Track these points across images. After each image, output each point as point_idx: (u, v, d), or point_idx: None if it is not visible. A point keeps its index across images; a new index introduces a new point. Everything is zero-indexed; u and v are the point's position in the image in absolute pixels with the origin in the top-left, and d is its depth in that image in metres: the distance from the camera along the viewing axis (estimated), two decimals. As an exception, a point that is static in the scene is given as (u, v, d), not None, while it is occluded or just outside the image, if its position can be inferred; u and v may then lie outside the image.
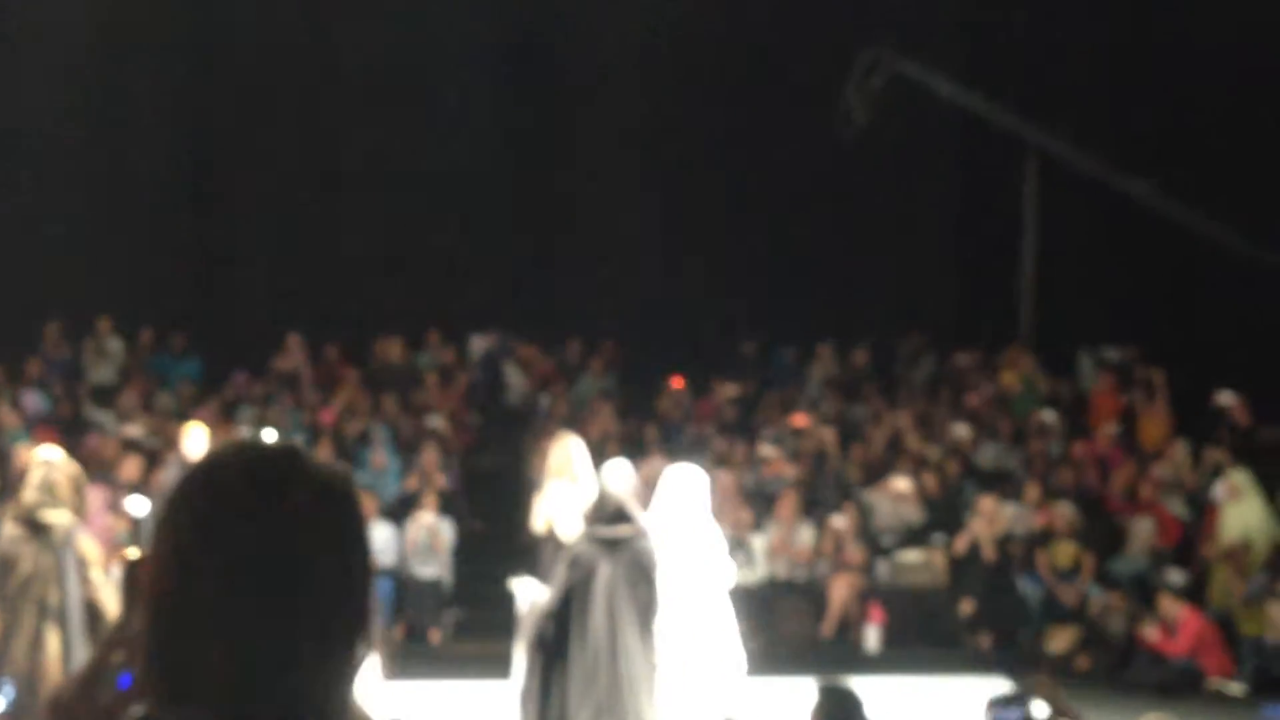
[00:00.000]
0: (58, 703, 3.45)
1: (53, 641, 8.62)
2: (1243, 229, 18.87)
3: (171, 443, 15.17)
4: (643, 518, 9.25)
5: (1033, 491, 16.59)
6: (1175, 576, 14.94)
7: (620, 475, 10.22)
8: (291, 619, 1.82)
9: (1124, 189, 19.53)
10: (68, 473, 9.15)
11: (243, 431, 17.81)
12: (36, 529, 8.79)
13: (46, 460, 9.15)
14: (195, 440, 13.24)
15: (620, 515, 8.94)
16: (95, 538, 12.25)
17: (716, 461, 17.31)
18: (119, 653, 3.18)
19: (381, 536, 16.28)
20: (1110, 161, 19.59)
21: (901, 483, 16.61)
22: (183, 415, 17.23)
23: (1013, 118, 20.11)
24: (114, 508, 14.23)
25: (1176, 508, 16.38)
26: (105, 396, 18.78)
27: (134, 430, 17.02)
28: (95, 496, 14.35)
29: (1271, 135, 18.93)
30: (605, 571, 8.69)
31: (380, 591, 16.05)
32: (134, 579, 3.59)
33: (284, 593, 1.82)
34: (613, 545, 8.78)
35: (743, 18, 20.80)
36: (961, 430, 17.78)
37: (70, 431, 17.28)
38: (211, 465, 1.92)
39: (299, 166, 20.94)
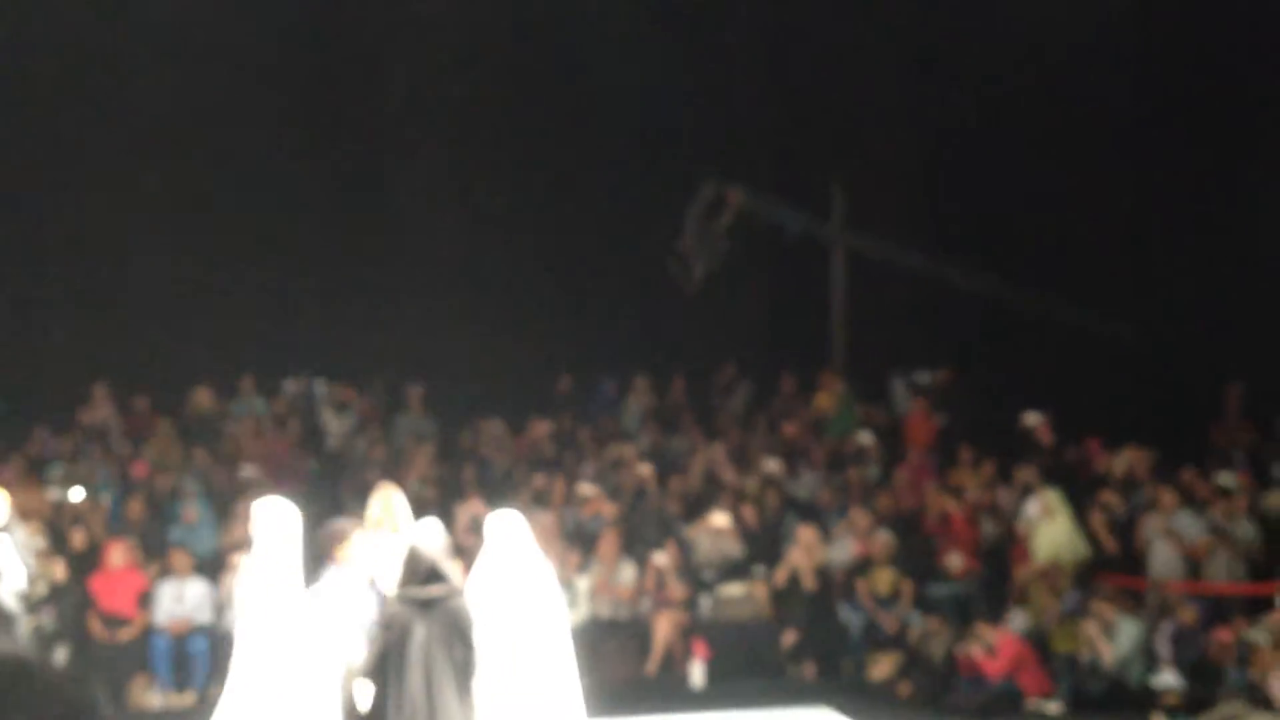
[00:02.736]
0: None
1: None
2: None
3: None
4: (456, 576, 9.18)
5: (850, 520, 16.77)
6: (994, 601, 15.19)
7: (432, 533, 10.13)
8: None
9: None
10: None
11: (50, 490, 17.39)
12: None
13: None
14: (-4, 508, 12.89)
15: (433, 574, 8.85)
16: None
17: (535, 500, 17.27)
18: None
19: (197, 592, 15.98)
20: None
21: (720, 517, 16.69)
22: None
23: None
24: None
25: (989, 528, 16.65)
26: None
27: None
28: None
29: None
30: (420, 632, 8.59)
31: (197, 648, 15.74)
32: None
33: None
34: (427, 605, 8.68)
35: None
36: (777, 462, 17.92)
37: None
38: None
39: (97, 209, 20.52)
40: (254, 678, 9.60)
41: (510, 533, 10.20)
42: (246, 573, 9.93)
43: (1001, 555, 16.25)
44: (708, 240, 19.94)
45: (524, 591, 10.09)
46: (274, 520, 10.36)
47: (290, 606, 9.74)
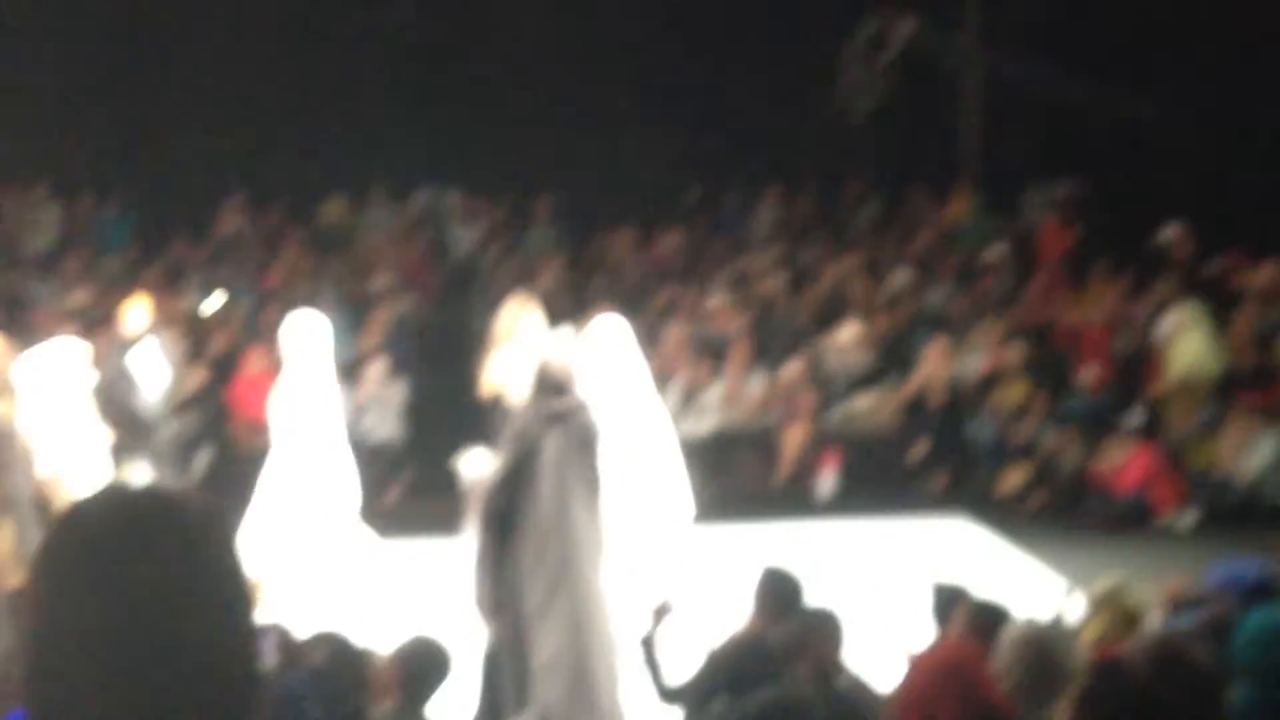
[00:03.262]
0: None
1: (4, 533, 8.58)
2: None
3: (113, 314, 15.00)
4: (586, 389, 9.21)
5: (982, 332, 16.63)
6: (1128, 414, 15.06)
7: (564, 345, 10.18)
8: (168, 671, 1.75)
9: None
10: (6, 363, 9.06)
11: (188, 299, 17.67)
12: (-22, 421, 8.72)
13: (-16, 351, 9.06)
14: (137, 317, 13.12)
15: (564, 387, 8.88)
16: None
17: (664, 312, 17.30)
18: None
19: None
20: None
21: (851, 329, 16.61)
22: (125, 283, 17.08)
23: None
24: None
25: (1125, 343, 16.44)
26: (44, 266, 18.58)
27: (76, 300, 16.84)
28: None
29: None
30: (551, 446, 8.63)
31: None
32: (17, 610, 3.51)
33: (158, 645, 1.75)
34: (557, 419, 8.72)
35: None
36: (908, 274, 17.77)
37: (10, 305, 17.13)
38: (75, 518, 1.85)
39: (227, 19, 20.54)
40: (287, 489, 9.85)
41: (614, 336, 10.24)
42: (282, 388, 10.12)
43: (1136, 369, 16.04)
44: (870, 76, 19.68)
45: (627, 400, 10.19)
46: (306, 333, 10.55)
47: (324, 418, 9.92)
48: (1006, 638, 5.28)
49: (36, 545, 5.48)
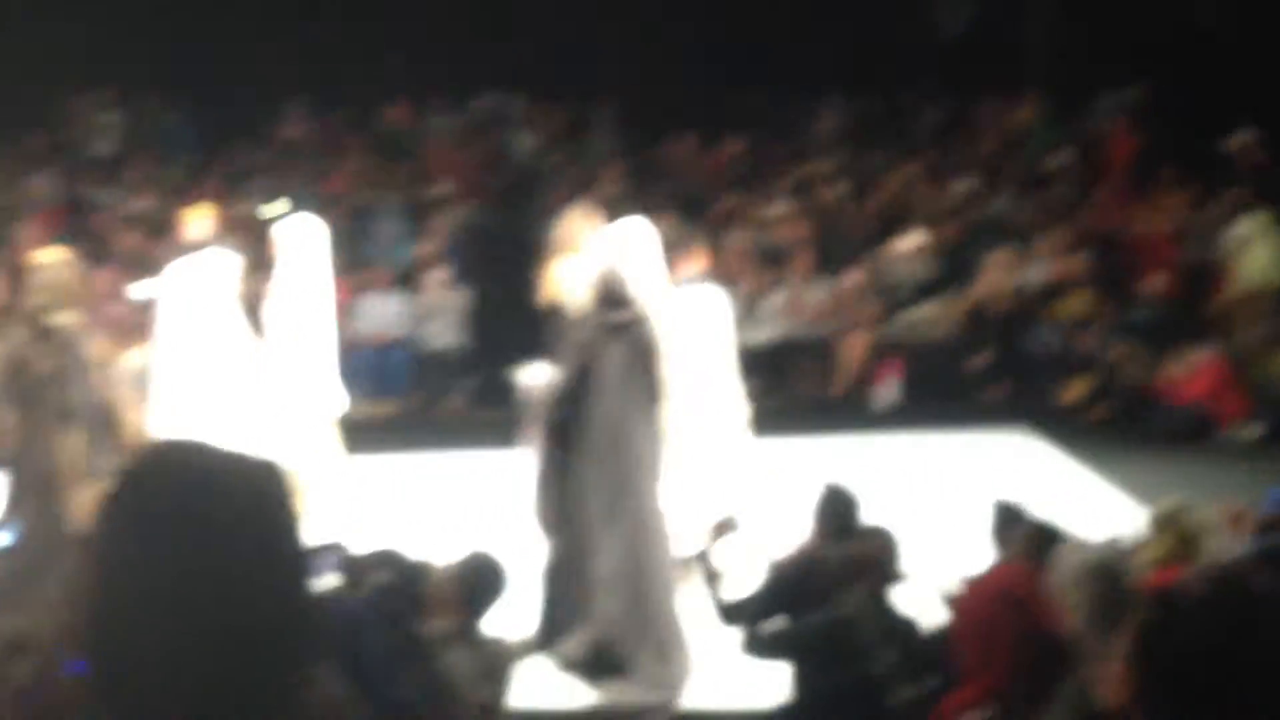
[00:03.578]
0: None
1: (70, 443, 8.66)
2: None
3: (175, 220, 15.02)
4: (647, 298, 9.17)
5: (1047, 241, 16.48)
6: (1190, 324, 14.92)
7: (625, 254, 10.14)
8: (229, 627, 1.76)
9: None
10: (71, 272, 9.11)
11: (248, 204, 17.70)
12: (44, 332, 8.77)
13: (50, 261, 9.11)
14: (199, 225, 13.14)
15: (624, 298, 8.85)
16: (105, 327, 12.33)
17: (726, 219, 17.21)
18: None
19: (392, 307, 16.29)
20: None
21: (914, 237, 16.50)
22: (187, 188, 17.13)
23: None
24: (122, 292, 14.18)
25: (1192, 253, 16.26)
26: (107, 172, 18.64)
27: (138, 206, 16.92)
28: (103, 280, 14.34)
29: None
30: (611, 356, 8.62)
31: (395, 362, 16.10)
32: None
33: (218, 601, 1.76)
34: (617, 329, 8.70)
35: None
36: (973, 181, 17.60)
37: (74, 211, 17.23)
38: (137, 471, 1.85)
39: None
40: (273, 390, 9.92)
41: (642, 240, 10.14)
42: (275, 289, 10.19)
43: (1203, 279, 15.86)
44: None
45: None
46: (300, 236, 10.61)
47: (315, 320, 9.96)
48: (1069, 563, 5.22)
49: (100, 460, 5.54)
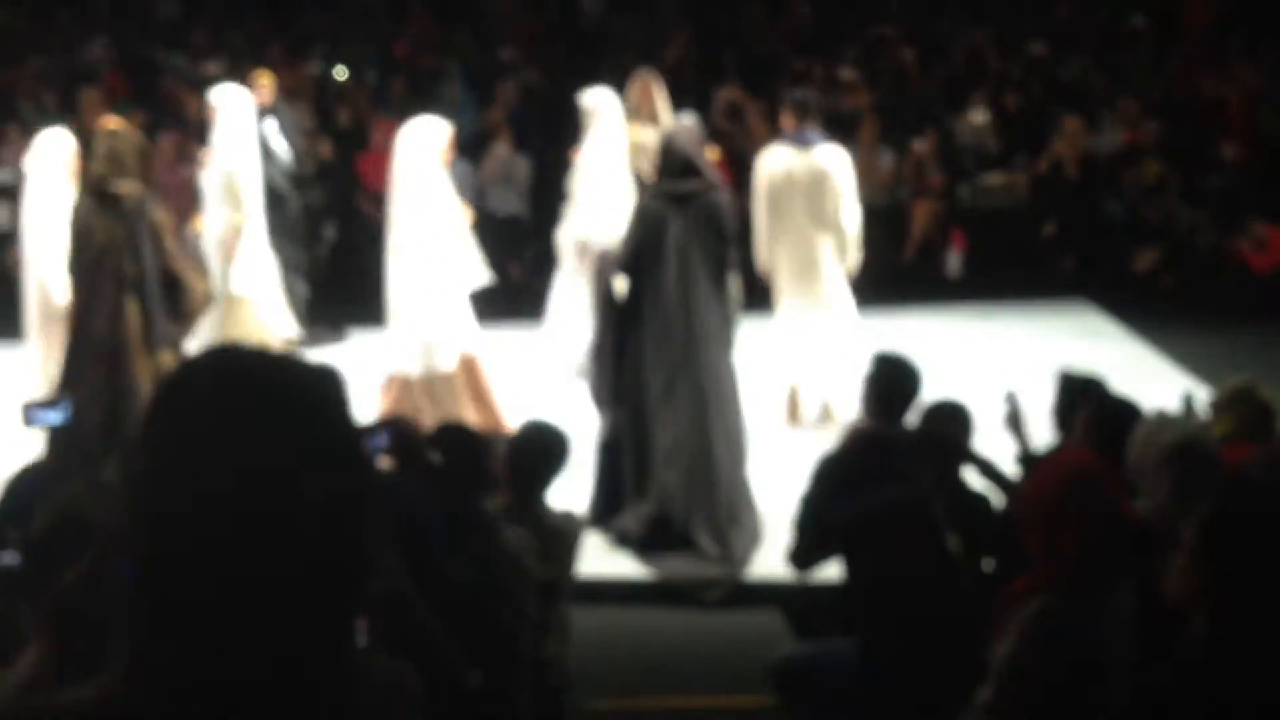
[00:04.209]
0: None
1: (133, 312, 8.67)
2: None
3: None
4: (711, 170, 9.07)
5: (1119, 107, 16.19)
6: (1264, 194, 14.66)
7: (688, 126, 10.06)
8: (277, 539, 1.72)
9: None
10: (133, 141, 9.07)
11: (314, 68, 17.63)
12: (107, 200, 8.76)
13: (112, 130, 9.07)
14: (264, 88, 13.12)
15: (689, 168, 8.75)
16: (169, 192, 12.33)
17: (794, 84, 16.98)
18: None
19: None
20: None
21: (983, 104, 16.24)
22: (253, 54, 17.06)
23: None
24: (188, 156, 14.17)
25: (1267, 119, 15.93)
26: (173, 35, 18.58)
27: (206, 70, 16.85)
28: (168, 145, 14.32)
29: None
30: (675, 227, 8.54)
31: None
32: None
33: (271, 532, 1.71)
34: (681, 200, 8.61)
35: None
36: (1044, 45, 17.27)
37: (139, 74, 17.18)
38: (187, 376, 1.80)
39: None
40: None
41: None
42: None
43: (1278, 148, 15.56)
44: None
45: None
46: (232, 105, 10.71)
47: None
48: (1147, 442, 5.10)
49: (164, 330, 5.51)
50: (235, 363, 1.80)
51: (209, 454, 1.72)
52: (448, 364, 9.68)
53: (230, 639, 1.71)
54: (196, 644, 1.71)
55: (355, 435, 1.83)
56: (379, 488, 1.90)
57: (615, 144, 10.77)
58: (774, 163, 10.42)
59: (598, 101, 10.85)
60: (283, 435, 1.73)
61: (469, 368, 9.81)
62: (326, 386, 1.80)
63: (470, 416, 9.38)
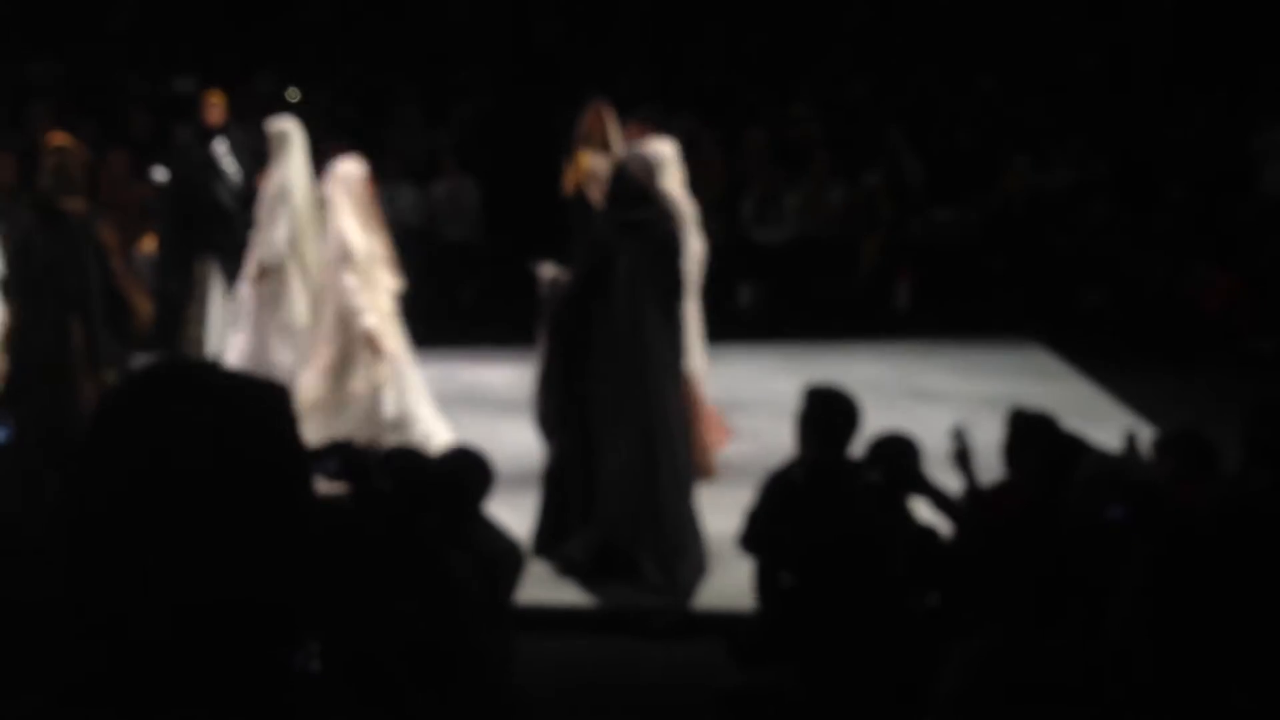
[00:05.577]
0: None
1: (77, 331, 8.61)
2: None
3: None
4: (664, 198, 9.07)
5: (1068, 144, 16.28)
6: (1212, 233, 14.78)
7: (641, 154, 10.04)
8: (214, 572, 1.70)
9: None
10: (81, 159, 9.02)
11: (263, 86, 17.54)
12: (53, 217, 8.70)
13: (59, 147, 9.02)
14: (213, 111, 13.06)
15: (642, 196, 8.74)
16: (119, 210, 12.26)
17: (747, 116, 17.03)
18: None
19: (407, 198, 16.16)
20: None
21: (931, 138, 16.31)
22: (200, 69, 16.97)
23: None
24: (137, 175, 14.08)
25: (1217, 161, 16.04)
26: (126, 51, 18.48)
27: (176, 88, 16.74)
28: (119, 163, 14.20)
29: None
30: (626, 255, 8.52)
31: (408, 253, 15.96)
32: None
33: (204, 543, 1.69)
34: (634, 228, 8.59)
35: None
36: (993, 82, 17.37)
37: (89, 92, 17.07)
38: (132, 386, 1.78)
39: None
40: None
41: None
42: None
43: (1227, 188, 15.66)
44: None
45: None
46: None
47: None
48: (1094, 480, 5.10)
49: (107, 349, 5.46)
50: (180, 374, 1.79)
51: (146, 460, 1.71)
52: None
53: (160, 650, 1.69)
54: (125, 656, 1.69)
55: (298, 450, 1.82)
56: (319, 506, 1.88)
57: (302, 168, 10.85)
58: None
59: (287, 127, 10.97)
60: (223, 446, 1.72)
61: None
62: (272, 401, 1.79)
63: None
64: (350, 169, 9.91)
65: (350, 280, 9.64)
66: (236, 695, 1.72)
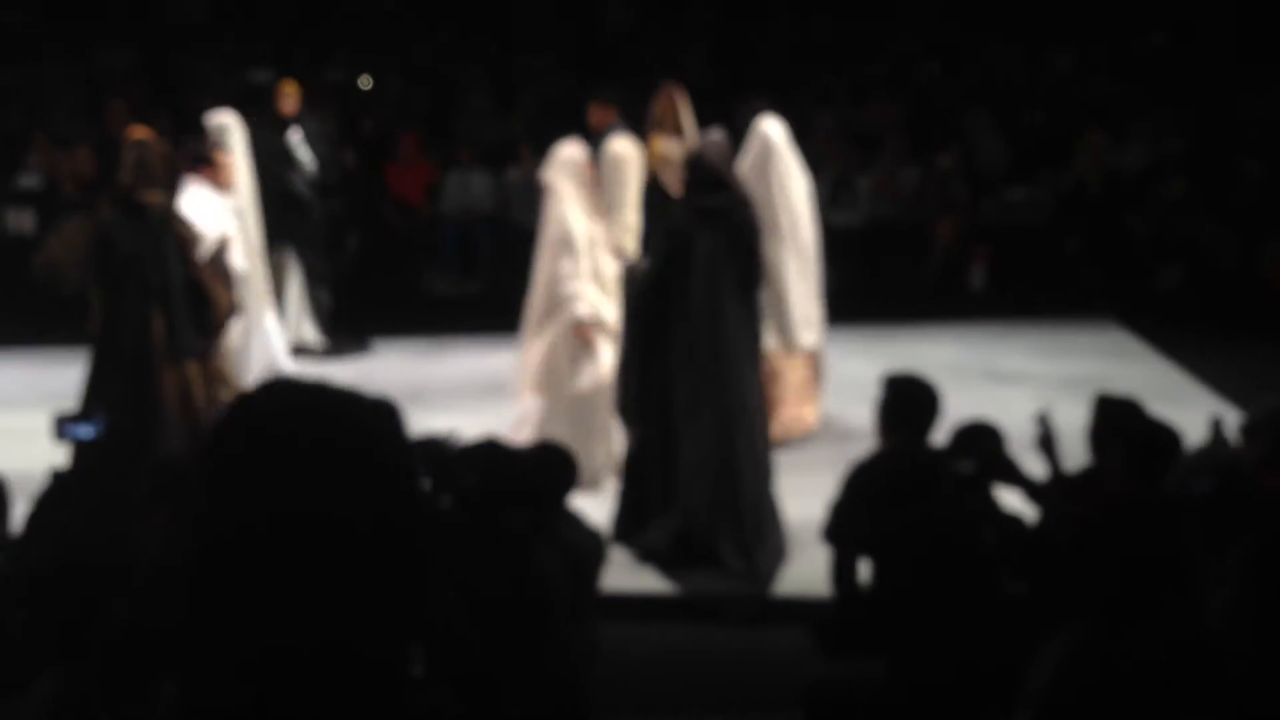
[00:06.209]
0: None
1: (157, 324, 8.66)
2: None
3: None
4: (740, 184, 9.05)
5: (1144, 123, 16.13)
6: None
7: (717, 140, 10.03)
8: (336, 595, 1.71)
9: None
10: (160, 151, 9.07)
11: (338, 76, 17.61)
12: (134, 211, 8.75)
13: (139, 140, 9.07)
14: (287, 101, 13.12)
15: (718, 183, 8.72)
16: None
17: (818, 99, 16.97)
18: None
19: (481, 183, 16.20)
20: None
21: (1005, 118, 16.20)
22: (274, 59, 17.05)
23: None
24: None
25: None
26: (198, 42, 18.59)
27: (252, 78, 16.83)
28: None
29: None
30: (704, 242, 8.50)
31: (481, 240, 16.05)
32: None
33: (326, 566, 1.70)
34: (711, 215, 8.57)
35: None
36: (1069, 60, 17.23)
37: (162, 82, 17.18)
38: (247, 411, 1.79)
39: None
40: None
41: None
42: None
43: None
44: None
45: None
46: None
47: None
48: (1197, 469, 5.02)
49: (189, 342, 5.49)
50: (292, 398, 1.79)
51: (266, 489, 1.71)
52: None
53: (284, 670, 1.70)
54: (249, 676, 1.70)
55: (412, 470, 1.83)
56: (433, 521, 1.90)
57: (244, 161, 11.15)
58: None
59: (227, 120, 11.05)
60: (340, 471, 1.73)
61: None
62: (383, 421, 1.79)
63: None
64: (572, 152, 9.72)
65: (566, 266, 9.52)
66: (355, 710, 1.73)
